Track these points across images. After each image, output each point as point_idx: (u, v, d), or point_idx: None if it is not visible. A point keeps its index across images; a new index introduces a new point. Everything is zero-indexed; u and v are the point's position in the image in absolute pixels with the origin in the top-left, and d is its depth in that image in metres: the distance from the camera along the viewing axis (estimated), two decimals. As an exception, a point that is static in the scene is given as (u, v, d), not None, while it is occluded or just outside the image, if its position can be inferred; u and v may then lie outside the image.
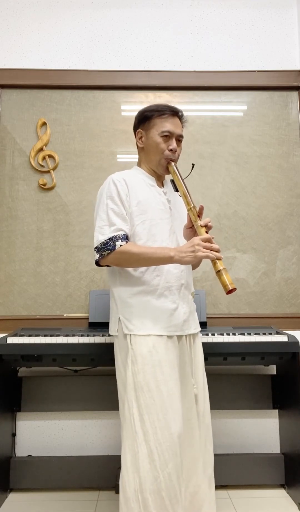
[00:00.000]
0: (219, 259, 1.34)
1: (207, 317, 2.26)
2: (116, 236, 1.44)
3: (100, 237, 1.46)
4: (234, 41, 2.54)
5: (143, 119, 1.57)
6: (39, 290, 2.35)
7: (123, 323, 1.46)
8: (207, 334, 1.93)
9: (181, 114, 1.58)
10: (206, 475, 1.50)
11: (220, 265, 1.34)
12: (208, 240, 1.38)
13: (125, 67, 2.50)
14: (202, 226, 1.42)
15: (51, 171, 2.42)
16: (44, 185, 2.41)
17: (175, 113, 1.55)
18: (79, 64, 2.50)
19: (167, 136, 1.52)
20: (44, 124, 2.45)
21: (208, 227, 1.43)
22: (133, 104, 2.46)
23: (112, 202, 1.48)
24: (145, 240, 1.48)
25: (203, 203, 2.45)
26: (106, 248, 1.43)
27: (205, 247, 1.35)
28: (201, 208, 1.45)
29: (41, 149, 2.43)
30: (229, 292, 1.30)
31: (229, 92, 2.51)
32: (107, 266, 1.51)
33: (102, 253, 1.44)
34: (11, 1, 2.53)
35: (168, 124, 1.52)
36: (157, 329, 1.43)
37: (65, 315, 2.32)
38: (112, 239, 1.43)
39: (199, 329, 1.60)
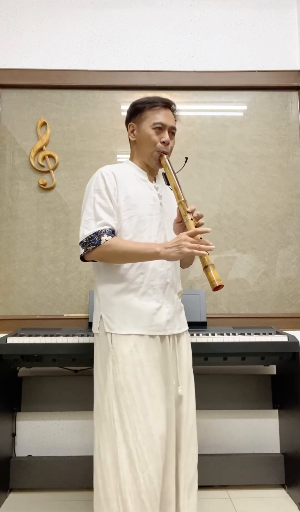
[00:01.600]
0: (204, 255, 1.28)
1: (207, 317, 2.26)
2: (102, 230, 1.40)
3: (85, 232, 1.42)
4: (234, 41, 2.55)
5: (135, 112, 1.53)
6: (39, 290, 2.35)
7: (104, 321, 1.42)
8: (207, 334, 1.93)
9: (173, 106, 1.54)
10: (187, 479, 1.44)
11: (208, 261, 1.28)
12: (194, 235, 1.31)
13: (125, 67, 2.50)
14: (191, 220, 1.36)
15: (51, 171, 2.42)
16: (44, 185, 2.41)
17: (167, 105, 1.52)
18: (79, 64, 2.50)
19: (159, 128, 1.48)
20: (44, 124, 2.45)
21: (198, 222, 1.37)
22: (133, 104, 2.46)
23: (99, 196, 1.44)
24: (132, 236, 1.44)
25: (203, 203, 2.46)
26: (91, 242, 1.40)
27: (192, 242, 1.29)
28: (193, 209, 1.39)
29: (41, 149, 2.43)
30: (216, 288, 1.25)
31: (229, 92, 2.51)
32: (93, 261, 1.48)
33: (87, 248, 1.41)
34: (11, 1, 2.53)
35: (160, 116, 1.49)
36: (138, 329, 1.39)
37: (65, 315, 2.32)
38: (98, 234, 1.40)
39: (185, 328, 1.55)
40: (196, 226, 1.36)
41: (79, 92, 2.48)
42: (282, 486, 2.12)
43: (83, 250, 1.43)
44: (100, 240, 1.39)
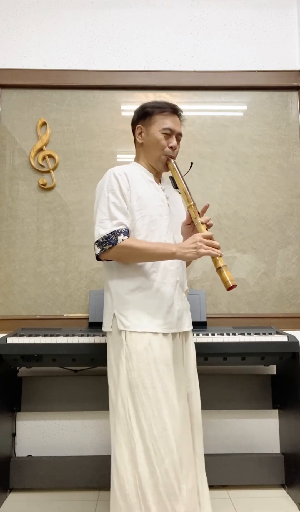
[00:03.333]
0: (220, 256, 1.36)
1: (207, 317, 2.26)
2: (118, 230, 1.42)
3: (101, 231, 1.44)
4: (234, 41, 2.54)
5: (144, 115, 1.56)
6: (39, 290, 2.35)
7: (118, 319, 1.44)
8: (207, 334, 1.93)
9: (180, 112, 1.58)
10: (199, 474, 1.52)
11: (221, 262, 1.35)
12: (210, 237, 1.39)
13: (125, 67, 2.50)
14: (202, 223, 1.43)
15: (51, 171, 2.42)
16: (44, 185, 2.41)
17: (175, 111, 1.56)
18: (79, 64, 2.50)
19: (168, 134, 1.52)
20: (44, 124, 2.45)
21: (208, 225, 1.45)
22: (133, 104, 2.45)
23: (113, 195, 1.46)
24: (144, 236, 1.47)
25: (203, 203, 2.45)
26: (108, 242, 1.42)
27: (207, 244, 1.36)
28: (206, 207, 1.48)
29: (41, 149, 2.43)
30: (230, 288, 1.33)
31: (229, 92, 2.51)
32: (107, 260, 1.50)
33: (104, 247, 1.43)
34: (11, 1, 2.53)
35: (168, 121, 1.53)
36: (152, 326, 1.42)
37: (65, 315, 2.32)
38: (115, 233, 1.42)
39: (192, 327, 1.60)
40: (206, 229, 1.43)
41: (79, 92, 2.48)
42: (282, 486, 2.12)
43: (99, 249, 1.45)
44: (117, 240, 1.41)
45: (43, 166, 2.43)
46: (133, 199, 1.48)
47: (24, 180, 2.42)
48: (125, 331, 1.42)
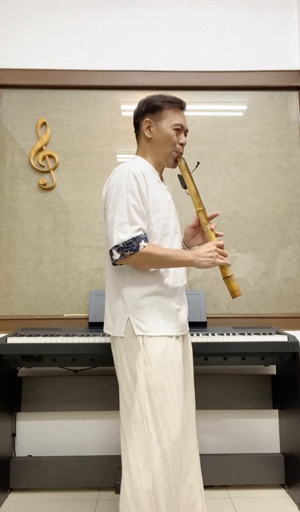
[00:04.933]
0: (229, 265, 1.44)
1: (207, 317, 2.26)
2: (139, 236, 1.37)
3: (122, 236, 1.37)
4: (234, 41, 2.54)
5: (153, 108, 1.51)
6: (39, 290, 2.35)
7: (134, 324, 1.40)
8: (207, 334, 1.93)
9: (185, 108, 1.58)
10: (198, 472, 1.54)
11: (229, 272, 1.42)
12: (222, 246, 1.43)
13: (125, 67, 2.50)
14: (212, 230, 1.46)
15: (51, 171, 2.42)
16: (44, 185, 2.41)
17: (183, 106, 1.55)
18: (79, 64, 2.50)
19: (178, 130, 1.50)
20: (44, 124, 2.45)
21: (217, 233, 1.50)
22: (133, 104, 2.41)
23: (133, 197, 1.39)
24: (158, 241, 1.45)
25: (203, 203, 2.46)
26: (129, 248, 1.36)
27: (221, 254, 1.42)
28: (215, 215, 1.53)
29: (41, 149, 2.43)
30: (236, 297, 1.42)
31: (229, 92, 2.51)
32: (120, 264, 1.44)
33: (124, 253, 1.36)
34: (11, 1, 2.53)
35: (179, 117, 1.51)
36: (168, 330, 1.43)
37: (65, 315, 2.32)
38: (136, 239, 1.36)
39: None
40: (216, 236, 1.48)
41: (79, 92, 2.48)
42: (282, 486, 2.12)
43: (118, 255, 1.37)
44: (139, 246, 1.36)
45: (43, 166, 2.43)
46: (149, 202, 1.43)
47: (24, 180, 2.42)
48: (143, 335, 1.39)
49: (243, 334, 1.96)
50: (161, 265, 1.43)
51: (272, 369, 2.29)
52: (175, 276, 1.48)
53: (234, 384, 2.22)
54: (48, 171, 2.42)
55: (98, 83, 2.47)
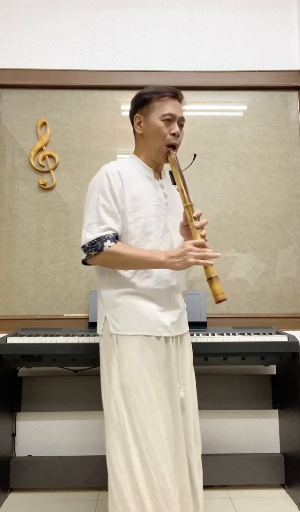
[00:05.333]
0: (208, 265, 1.28)
1: (207, 317, 2.26)
2: (105, 236, 1.36)
3: (88, 236, 1.38)
4: (234, 41, 2.54)
5: (142, 103, 1.46)
6: (39, 290, 2.35)
7: (110, 323, 1.40)
8: (207, 334, 1.93)
9: (181, 96, 1.48)
10: (197, 481, 1.45)
11: (212, 272, 1.28)
12: (201, 245, 1.30)
13: (125, 67, 2.50)
14: (197, 228, 1.33)
15: (51, 171, 2.42)
16: (44, 185, 2.41)
17: (175, 95, 1.46)
18: (79, 64, 2.50)
19: (169, 120, 1.42)
20: (44, 124, 2.45)
21: (202, 231, 1.36)
22: (133, 104, 2.46)
23: (103, 197, 1.38)
24: (137, 240, 1.40)
25: (203, 203, 2.46)
26: (94, 248, 1.36)
27: (197, 252, 1.29)
28: (199, 215, 1.37)
29: (41, 149, 2.43)
30: (219, 301, 1.26)
31: (229, 92, 2.51)
32: (91, 265, 1.46)
33: (89, 253, 1.37)
34: (11, 1, 2.53)
35: (168, 107, 1.42)
36: (144, 329, 1.37)
37: (65, 315, 2.32)
38: (101, 239, 1.36)
39: (187, 328, 1.55)
40: (202, 236, 1.34)
41: (79, 92, 2.48)
42: (282, 486, 2.12)
43: (85, 255, 1.40)
44: (103, 246, 1.35)
45: (43, 166, 2.43)
46: (126, 200, 1.40)
47: (24, 180, 2.42)
48: (117, 334, 1.38)
49: (243, 334, 1.96)
50: (128, 266, 1.38)
51: (272, 369, 2.29)
52: (159, 278, 1.41)
53: (234, 384, 2.22)
54: (48, 171, 2.42)
55: (98, 83, 2.47)
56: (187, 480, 1.41)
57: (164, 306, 1.43)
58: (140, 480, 1.27)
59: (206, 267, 1.29)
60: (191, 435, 1.45)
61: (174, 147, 1.45)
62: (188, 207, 1.37)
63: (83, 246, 1.40)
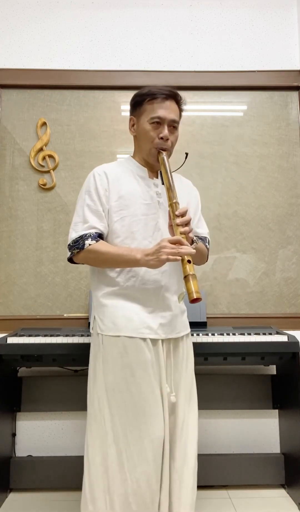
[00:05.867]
0: (184, 260, 1.23)
1: (207, 317, 2.26)
2: (87, 234, 1.38)
3: (72, 234, 1.42)
4: (234, 41, 2.54)
5: (135, 105, 1.47)
6: (39, 290, 2.35)
7: (97, 322, 1.42)
8: (207, 334, 1.93)
9: (178, 97, 1.45)
10: (184, 490, 1.35)
11: (189, 270, 1.21)
12: (177, 242, 1.25)
13: (125, 67, 2.50)
14: (178, 225, 1.28)
15: (51, 171, 2.42)
16: (44, 185, 2.41)
17: (168, 96, 1.42)
18: (79, 64, 2.49)
19: (158, 123, 1.40)
20: (44, 124, 2.45)
21: (186, 227, 1.29)
22: (133, 104, 2.46)
23: (89, 197, 1.42)
24: (123, 238, 1.40)
25: (203, 203, 2.45)
26: (76, 246, 1.39)
27: (171, 248, 1.23)
28: (183, 212, 1.31)
29: (41, 149, 2.43)
30: (194, 301, 1.18)
31: (229, 92, 2.51)
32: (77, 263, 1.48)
33: (73, 251, 1.41)
34: (11, 1, 2.53)
35: (159, 110, 1.40)
36: (128, 331, 1.36)
37: (65, 315, 2.32)
38: (83, 237, 1.38)
39: (185, 332, 1.49)
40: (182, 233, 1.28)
41: (79, 92, 2.48)
42: (282, 486, 2.12)
43: (69, 253, 1.43)
44: (84, 244, 1.38)
45: (43, 166, 2.43)
46: (112, 200, 1.41)
47: (24, 180, 2.42)
48: (102, 334, 1.39)
49: (243, 334, 1.96)
50: (108, 264, 1.39)
51: (272, 369, 2.29)
52: (146, 277, 1.39)
53: (234, 384, 2.22)
54: (48, 171, 2.42)
55: (98, 83, 2.47)
56: (166, 491, 1.32)
57: (152, 307, 1.41)
58: (113, 482, 1.26)
59: (183, 265, 1.23)
60: (176, 444, 1.37)
61: (164, 150, 1.43)
62: (172, 204, 1.33)
63: (68, 245, 1.43)
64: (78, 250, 1.39)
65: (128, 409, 1.31)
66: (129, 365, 1.34)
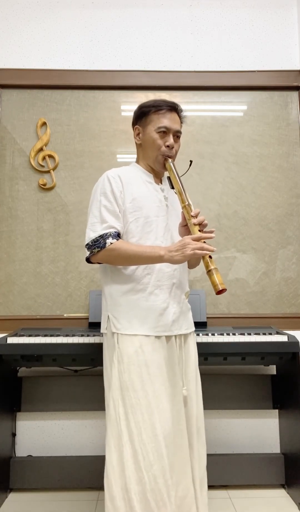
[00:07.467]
0: (206, 255, 1.33)
1: (207, 317, 2.26)
2: (107, 233, 1.42)
3: (91, 234, 1.45)
4: (234, 41, 2.54)
5: (141, 115, 1.55)
6: (39, 290, 2.35)
7: (111, 322, 1.45)
8: (207, 334, 1.93)
9: (179, 109, 1.56)
10: (197, 478, 1.46)
11: (211, 264, 1.32)
12: (199, 239, 1.35)
13: (125, 67, 2.50)
14: (195, 225, 1.39)
15: (51, 171, 2.42)
16: (44, 185, 2.41)
17: (172, 108, 1.53)
18: (79, 64, 2.50)
19: (164, 132, 1.50)
20: (44, 124, 2.45)
21: (202, 225, 1.41)
22: (133, 104, 2.44)
23: (105, 198, 1.47)
24: (138, 238, 1.47)
25: (203, 203, 2.46)
26: (96, 245, 1.42)
27: (195, 245, 1.33)
28: (197, 213, 1.42)
29: (41, 149, 2.43)
30: (219, 292, 1.29)
31: (229, 92, 2.51)
32: (99, 263, 1.51)
33: (93, 250, 1.43)
34: (11, 1, 2.53)
35: (165, 120, 1.50)
36: (144, 329, 1.41)
37: (65, 315, 2.32)
38: (103, 237, 1.42)
39: (192, 329, 1.57)
40: (199, 231, 1.39)
41: (79, 92, 2.48)
42: (282, 486, 2.12)
43: (88, 252, 1.46)
44: (105, 243, 1.41)
45: (43, 166, 2.43)
46: (127, 201, 1.47)
47: (24, 180, 2.42)
48: (117, 333, 1.42)
49: (243, 334, 1.96)
50: (130, 262, 1.43)
51: (272, 369, 2.29)
52: (160, 274, 1.46)
53: (234, 384, 2.22)
54: (48, 171, 2.42)
55: (98, 83, 2.47)
56: (190, 479, 1.42)
57: (166, 303, 1.46)
58: (130, 480, 1.30)
59: (205, 260, 1.34)
60: (193, 434, 1.47)
61: (169, 157, 1.53)
62: (186, 206, 1.43)
63: (87, 244, 1.46)
64: (99, 249, 1.42)
65: (143, 407, 1.34)
66: (145, 364, 1.38)
